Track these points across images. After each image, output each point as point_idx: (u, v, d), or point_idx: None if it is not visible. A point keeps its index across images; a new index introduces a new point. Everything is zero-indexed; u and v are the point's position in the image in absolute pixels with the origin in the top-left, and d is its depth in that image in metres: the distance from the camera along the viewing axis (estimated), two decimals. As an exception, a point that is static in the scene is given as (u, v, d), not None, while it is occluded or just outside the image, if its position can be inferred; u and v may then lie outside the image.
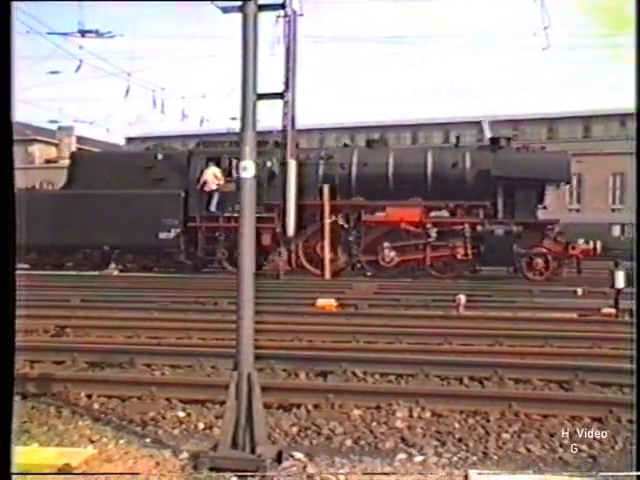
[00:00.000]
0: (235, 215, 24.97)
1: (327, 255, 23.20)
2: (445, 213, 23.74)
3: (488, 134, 25.49)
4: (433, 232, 22.95)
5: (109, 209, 23.96)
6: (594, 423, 7.18)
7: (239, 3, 6.02)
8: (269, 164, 23.93)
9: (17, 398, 7.53)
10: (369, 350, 10.27)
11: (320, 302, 14.83)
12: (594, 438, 6.84)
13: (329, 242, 23.39)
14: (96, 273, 23.43)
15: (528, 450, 6.56)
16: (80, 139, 59.65)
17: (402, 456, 6.38)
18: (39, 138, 62.91)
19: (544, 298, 16.83)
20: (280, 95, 6.44)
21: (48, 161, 60.09)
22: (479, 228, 22.71)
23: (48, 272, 22.61)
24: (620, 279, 14.42)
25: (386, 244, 23.17)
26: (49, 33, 25.28)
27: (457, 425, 7.14)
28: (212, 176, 24.12)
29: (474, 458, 6.38)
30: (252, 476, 5.64)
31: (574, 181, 26.90)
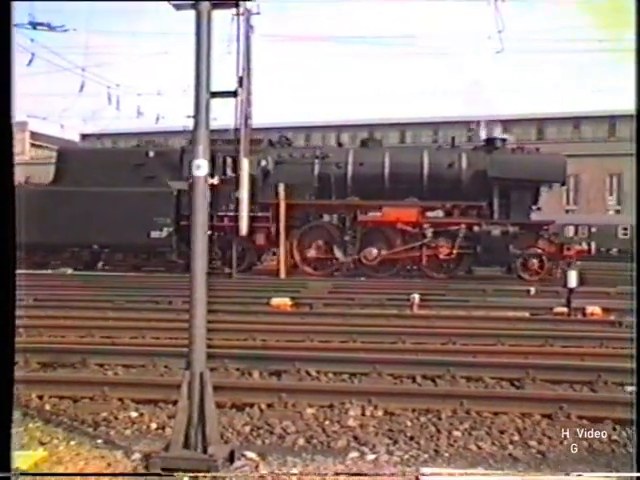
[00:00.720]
0: (230, 214, 24.72)
1: (282, 254, 23.15)
2: (440, 213, 23.82)
3: (483, 135, 25.52)
4: (429, 232, 23.04)
5: (99, 207, 23.47)
6: (544, 419, 7.29)
7: (192, 1, 5.99)
8: (263, 163, 23.83)
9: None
10: (323, 349, 10.29)
11: (275, 301, 14.83)
12: (543, 434, 6.95)
13: (283, 242, 23.32)
14: (49, 272, 23.05)
15: (479, 447, 6.64)
16: (34, 134, 58.73)
17: (354, 455, 6.41)
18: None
19: (497, 297, 17.01)
20: (233, 93, 6.39)
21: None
22: (475, 228, 22.87)
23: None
24: (572, 279, 14.64)
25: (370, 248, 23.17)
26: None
27: (409, 423, 7.19)
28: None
29: (425, 456, 6.43)
30: (204, 476, 5.62)
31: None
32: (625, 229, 39.25)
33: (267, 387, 8.25)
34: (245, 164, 23.02)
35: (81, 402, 7.87)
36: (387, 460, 6.27)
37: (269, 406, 7.63)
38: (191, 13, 6.02)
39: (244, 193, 22.87)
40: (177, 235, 23.95)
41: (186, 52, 6.09)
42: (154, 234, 23.74)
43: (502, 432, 6.97)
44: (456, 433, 6.94)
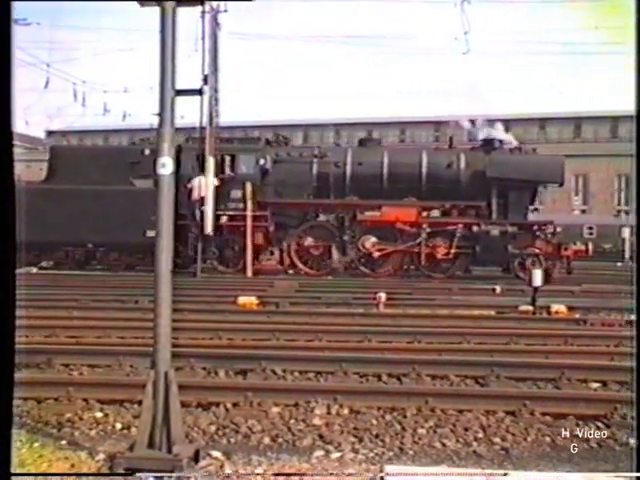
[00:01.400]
0: (229, 213, 24.40)
1: (250, 253, 23.07)
2: (436, 213, 23.84)
3: (481, 135, 25.54)
4: (429, 232, 23.05)
5: (93, 205, 22.95)
6: (508, 416, 7.36)
7: (156, -2, 5.95)
8: (262, 162, 23.66)
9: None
10: (289, 348, 10.30)
11: (241, 300, 14.79)
12: (507, 431, 7.02)
13: (251, 240, 23.23)
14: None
15: (443, 445, 6.69)
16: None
17: (319, 453, 6.43)
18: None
19: (463, 296, 17.12)
20: (199, 91, 6.36)
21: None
22: (474, 228, 22.94)
23: None
24: (537, 277, 14.78)
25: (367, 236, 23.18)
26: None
27: (374, 421, 7.23)
28: (197, 181, 23.18)
29: (390, 453, 6.47)
30: (169, 476, 5.60)
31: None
32: (590, 228, 39.67)
33: (233, 386, 8.24)
34: (211, 163, 22.89)
35: (45, 403, 7.79)
36: (352, 458, 6.30)
37: (235, 405, 7.62)
38: (156, 10, 5.98)
39: (210, 192, 22.74)
40: (174, 234, 23.69)
41: (152, 49, 6.05)
42: (150, 233, 23.36)
43: (466, 429, 7.04)
44: (421, 431, 6.99)
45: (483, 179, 23.28)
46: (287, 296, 16.42)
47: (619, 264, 24.56)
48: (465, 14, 22.22)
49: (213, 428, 7.12)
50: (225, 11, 30.17)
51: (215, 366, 9.22)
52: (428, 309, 14.75)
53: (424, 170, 23.59)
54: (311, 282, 19.94)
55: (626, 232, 37.90)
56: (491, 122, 25.15)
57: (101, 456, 6.18)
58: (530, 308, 14.30)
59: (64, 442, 6.66)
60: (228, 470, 5.97)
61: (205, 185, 22.65)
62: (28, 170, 31.82)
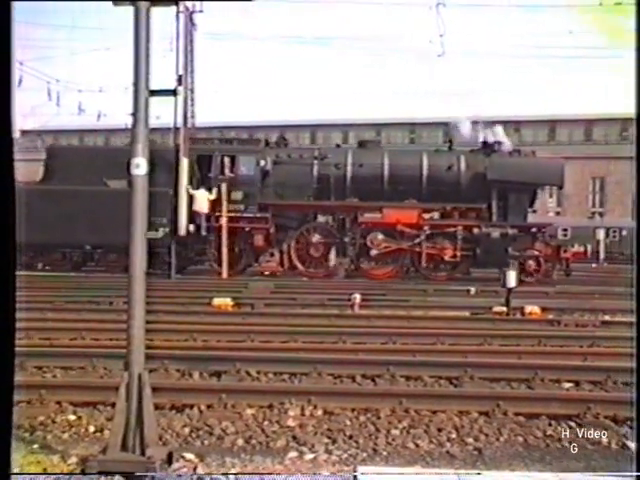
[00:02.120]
0: (230, 215, 24.13)
1: (225, 254, 23.00)
2: (436, 215, 23.87)
3: (481, 137, 25.59)
4: (430, 234, 23.08)
5: (91, 206, 22.65)
6: (481, 417, 7.40)
7: (130, -3, 5.93)
8: (262, 163, 23.55)
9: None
10: (264, 349, 10.30)
11: (216, 301, 14.76)
12: (480, 431, 7.06)
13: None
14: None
15: (416, 445, 6.71)
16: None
17: (293, 454, 6.43)
18: None
19: (438, 297, 17.18)
20: (173, 92, 6.34)
21: None
22: (475, 230, 23.01)
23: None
24: (511, 279, 14.86)
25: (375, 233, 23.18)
26: None
27: (348, 422, 7.24)
28: (200, 195, 23.13)
29: (364, 455, 6.48)
30: (142, 479, 5.58)
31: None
32: (565, 230, 39.98)
33: (207, 388, 8.23)
34: (185, 163, 22.80)
35: (18, 406, 7.72)
36: (326, 459, 6.31)
37: (209, 407, 7.61)
38: (131, 9, 5.95)
39: (183, 193, 22.64)
40: (172, 235, 23.57)
41: (128, 49, 6.03)
42: (150, 234, 23.09)
43: (440, 430, 7.06)
44: (394, 432, 7.01)
45: (483, 181, 23.39)
46: (262, 297, 16.41)
47: (594, 265, 24.79)
48: (440, 17, 22.31)
49: (187, 430, 7.10)
50: (201, 11, 30.21)
51: (189, 368, 9.19)
52: (402, 310, 14.79)
53: (425, 172, 23.63)
54: (287, 283, 19.92)
55: (601, 234, 38.23)
56: (491, 124, 25.28)
57: (73, 459, 6.14)
58: (504, 309, 14.38)
59: (36, 446, 6.61)
60: (201, 472, 5.96)
61: (180, 185, 22.57)
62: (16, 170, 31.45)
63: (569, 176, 26.82)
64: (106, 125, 46.00)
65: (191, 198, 23.01)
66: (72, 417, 7.48)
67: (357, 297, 14.83)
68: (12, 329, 4.47)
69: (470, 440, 6.87)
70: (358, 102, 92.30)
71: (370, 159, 23.89)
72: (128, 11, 5.98)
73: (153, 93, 6.07)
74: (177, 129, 23.47)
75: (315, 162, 23.90)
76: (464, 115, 25.44)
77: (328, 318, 13.32)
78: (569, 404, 7.72)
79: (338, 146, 27.26)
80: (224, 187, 23.35)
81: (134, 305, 5.95)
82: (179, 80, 19.02)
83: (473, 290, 18.14)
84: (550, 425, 7.28)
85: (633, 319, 5.66)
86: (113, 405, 6.67)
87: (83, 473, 5.84)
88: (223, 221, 23.14)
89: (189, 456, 6.30)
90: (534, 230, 23.72)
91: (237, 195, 23.51)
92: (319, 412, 7.50)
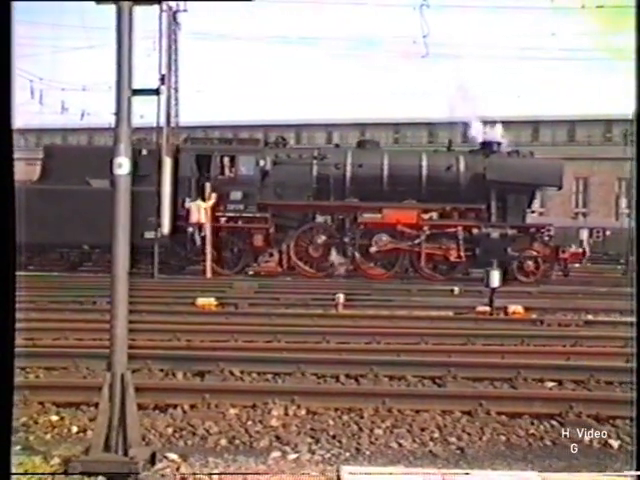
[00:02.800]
0: (229, 214, 23.99)
1: (209, 254, 22.95)
2: (434, 215, 23.88)
3: (480, 137, 25.62)
4: (430, 235, 23.12)
5: (89, 206, 22.44)
6: (464, 416, 7.42)
7: (113, -4, 5.90)
8: (262, 163, 23.48)
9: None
10: (247, 349, 10.29)
11: (200, 301, 14.73)
12: (463, 431, 7.08)
13: (212, 240, 23.14)
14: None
15: (399, 445, 6.73)
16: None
17: (276, 454, 6.44)
18: None
19: (421, 297, 17.22)
20: (155, 91, 6.32)
21: None
22: (475, 231, 23.06)
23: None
24: (494, 278, 14.91)
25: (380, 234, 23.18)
26: None
27: (331, 422, 7.25)
28: (196, 207, 23.04)
29: (347, 454, 6.49)
30: (124, 479, 5.56)
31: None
32: (549, 230, 40.19)
33: (190, 388, 8.23)
34: (168, 163, 22.73)
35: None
36: (309, 459, 6.31)
37: (192, 407, 7.59)
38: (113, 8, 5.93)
39: (166, 193, 22.57)
40: (172, 236, 23.47)
41: (111, 47, 6.00)
42: (148, 234, 22.95)
43: (423, 429, 7.08)
44: (378, 431, 7.02)
45: (482, 182, 23.46)
46: (246, 297, 16.39)
47: (577, 265, 24.95)
48: (424, 18, 22.34)
49: (170, 430, 7.09)
50: (185, 11, 30.16)
51: (173, 368, 9.18)
52: (386, 310, 14.81)
53: (424, 172, 23.67)
54: (270, 283, 19.91)
55: (584, 234, 38.42)
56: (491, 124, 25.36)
57: (56, 460, 6.11)
58: (487, 309, 14.43)
59: (18, 447, 6.57)
60: (184, 472, 5.94)
61: (163, 184, 22.51)
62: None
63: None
64: (90, 124, 45.74)
65: (187, 211, 23.00)
66: (55, 418, 7.44)
67: (341, 297, 14.85)
68: (12, 330, 4.45)
69: (453, 439, 6.89)
70: (343, 102, 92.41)
71: (369, 159, 23.93)
72: (111, 9, 5.96)
73: (136, 92, 6.05)
74: (160, 128, 23.39)
75: (314, 162, 23.91)
76: (448, 115, 25.54)
77: (312, 318, 13.33)
78: (552, 403, 7.75)
79: (337, 146, 27.28)
80: (208, 186, 23.30)
81: (117, 305, 5.93)
82: (162, 79, 19.00)
83: (457, 290, 18.20)
84: (532, 424, 7.31)
85: (633, 319, 5.69)
86: (96, 405, 6.66)
87: (66, 473, 5.81)
88: (207, 220, 23.10)
89: (172, 456, 6.29)
90: (533, 231, 23.87)
91: (236, 195, 23.50)
92: (302, 412, 7.50)
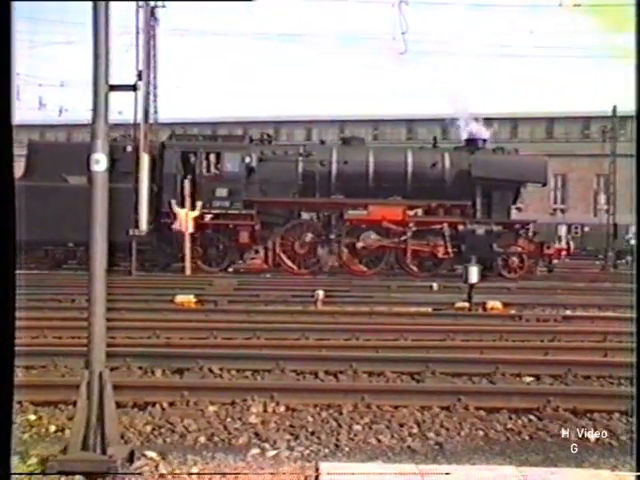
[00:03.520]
0: (214, 211, 23.94)
1: (188, 252, 22.89)
2: (419, 212, 23.94)
3: (464, 134, 25.70)
4: (415, 231, 23.24)
5: (74, 203, 22.32)
6: (442, 411, 7.45)
7: (88, -11, 5.86)
8: (247, 160, 23.45)
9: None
10: (226, 346, 10.26)
11: (179, 298, 14.68)
12: (441, 426, 7.11)
13: (186, 239, 23.07)
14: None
15: (378, 440, 6.74)
16: None
17: (255, 451, 6.43)
18: None
19: (401, 293, 17.27)
20: (133, 87, 6.29)
21: None
22: (460, 227, 23.11)
23: None
24: (473, 274, 14.98)
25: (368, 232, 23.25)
26: None
27: (310, 419, 7.24)
28: (183, 214, 22.99)
29: (326, 450, 6.49)
30: (102, 478, 5.54)
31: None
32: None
33: (169, 385, 8.19)
34: (145, 159, 22.58)
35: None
36: (288, 456, 6.31)
37: (171, 404, 7.56)
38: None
39: (144, 189, 22.44)
40: (157, 233, 23.39)
41: (89, 43, 5.96)
42: (132, 231, 22.83)
43: (401, 425, 7.09)
44: (356, 427, 7.03)
45: (468, 178, 23.58)
46: (226, 294, 16.37)
47: (555, 261, 25.15)
48: (403, 15, 22.39)
49: (149, 428, 7.05)
50: (163, 6, 30.05)
51: (152, 365, 9.14)
52: (366, 306, 14.84)
53: (409, 169, 23.82)
54: (250, 280, 19.91)
55: (562, 230, 38.69)
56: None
57: (33, 460, 6.06)
58: (466, 305, 14.50)
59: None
60: (163, 470, 5.93)
61: (141, 181, 22.36)
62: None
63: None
64: (68, 120, 45.51)
65: (174, 215, 22.94)
66: (33, 417, 7.39)
67: (320, 294, 14.87)
68: (12, 329, 4.42)
69: (431, 435, 6.90)
70: (322, 99, 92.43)
71: (355, 156, 24.05)
72: (88, 5, 5.92)
73: (113, 88, 6.01)
74: (137, 124, 23.30)
75: (300, 159, 24.01)
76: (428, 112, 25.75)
77: (291, 315, 13.33)
78: (530, 398, 7.79)
79: (322, 143, 27.34)
80: (187, 182, 23.23)
81: (95, 303, 5.89)
82: (139, 75, 18.83)
83: (436, 286, 18.27)
84: (511, 419, 7.35)
85: (633, 315, 5.74)
86: (74, 404, 6.63)
87: (43, 473, 5.78)
88: (188, 218, 23.04)
89: (151, 454, 6.26)
90: (517, 227, 24.01)
91: (222, 192, 23.49)
92: (281, 409, 7.49)
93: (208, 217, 23.37)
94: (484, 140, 25.04)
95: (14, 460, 6.03)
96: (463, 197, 23.79)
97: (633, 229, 35.98)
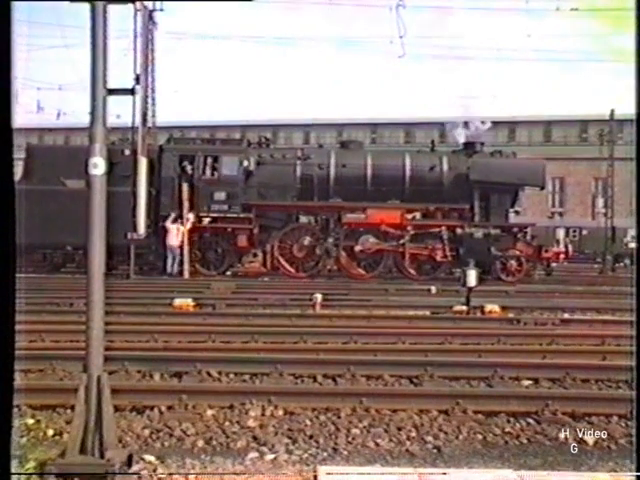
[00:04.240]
0: (213, 215, 23.97)
1: (186, 256, 22.90)
2: (418, 215, 23.94)
3: (462, 138, 25.71)
4: (414, 234, 23.24)
5: (72, 206, 22.30)
6: (441, 415, 7.44)
7: (86, -6, 5.86)
8: (245, 163, 23.45)
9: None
10: (225, 350, 10.25)
11: (177, 302, 14.66)
12: (440, 429, 7.11)
13: (189, 240, 23.08)
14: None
15: (376, 444, 6.74)
16: None
17: (253, 455, 6.42)
18: None
19: (399, 297, 17.26)
20: (130, 91, 6.29)
21: None
22: (459, 231, 23.12)
23: None
24: (471, 278, 14.98)
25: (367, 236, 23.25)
26: None
27: (309, 422, 7.23)
28: (174, 229, 23.09)
29: (324, 454, 6.49)
30: (101, 480, 5.53)
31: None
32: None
33: (167, 389, 8.18)
34: (143, 163, 22.57)
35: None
36: (286, 459, 6.30)
37: (169, 408, 7.54)
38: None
39: (142, 193, 22.43)
40: (155, 236, 23.39)
41: (87, 46, 5.97)
42: (130, 235, 22.81)
43: (400, 429, 7.09)
44: (355, 431, 7.02)
45: (466, 182, 23.58)
46: (224, 298, 16.36)
47: (554, 264, 25.16)
48: (400, 18, 22.43)
49: (147, 432, 7.04)
50: (161, 10, 30.05)
51: (150, 369, 9.12)
52: (364, 310, 14.83)
53: (407, 173, 23.81)
54: (248, 283, 19.90)
55: (560, 233, 38.71)
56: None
57: (31, 464, 6.05)
58: (464, 308, 14.49)
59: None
60: (161, 474, 5.92)
61: (139, 185, 22.37)
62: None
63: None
64: (66, 124, 45.47)
65: (165, 230, 22.95)
66: (30, 421, 7.38)
67: (318, 297, 14.86)
68: (12, 331, 4.42)
69: (430, 438, 6.90)
70: (320, 102, 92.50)
71: (353, 160, 24.03)
72: (86, 8, 5.92)
73: (111, 92, 6.01)
74: (135, 128, 23.30)
75: (298, 162, 23.99)
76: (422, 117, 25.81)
77: (289, 318, 13.32)
78: (528, 401, 7.79)
79: (321, 146, 27.32)
80: (185, 186, 23.25)
81: (93, 306, 5.89)
82: (137, 79, 18.84)
83: (434, 289, 18.27)
84: (509, 422, 7.35)
85: (633, 318, 5.74)
86: (73, 408, 6.62)
87: (42, 473, 5.77)
88: (187, 220, 23.09)
89: (149, 458, 6.26)
90: (516, 230, 24.01)
91: (220, 195, 23.48)
92: (280, 412, 7.49)
93: (206, 220, 23.36)
94: (482, 143, 25.06)
95: (12, 464, 6.02)
96: (461, 200, 23.79)
97: (631, 232, 36.04)
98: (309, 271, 23.56)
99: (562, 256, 25.11)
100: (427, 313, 14.52)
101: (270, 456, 6.39)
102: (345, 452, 6.55)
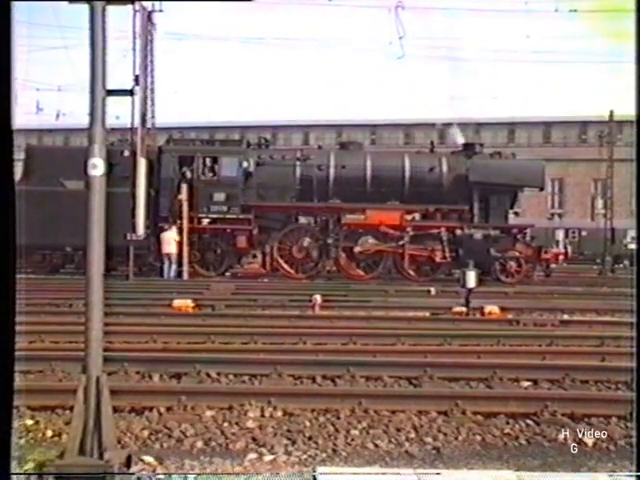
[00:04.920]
0: (212, 216, 23.99)
1: (186, 258, 22.92)
2: (417, 216, 23.94)
3: (460, 139, 25.75)
4: (413, 235, 23.24)
5: (71, 207, 22.32)
6: (440, 416, 7.44)
7: (86, -5, 5.86)
8: (245, 164, 23.46)
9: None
10: (224, 351, 10.25)
11: (177, 303, 14.67)
12: (439, 431, 7.10)
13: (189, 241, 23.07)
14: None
15: (376, 445, 6.73)
16: None
17: (252, 456, 6.42)
18: None
19: (398, 298, 17.26)
20: (130, 92, 6.28)
21: None
22: (458, 232, 23.12)
23: None
24: (471, 279, 14.98)
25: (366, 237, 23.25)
26: None
27: (308, 423, 7.23)
28: (172, 239, 23.09)
29: (323, 455, 6.48)
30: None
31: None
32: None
33: (167, 390, 8.17)
34: (142, 164, 22.58)
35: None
36: (285, 460, 6.30)
37: (168, 409, 7.54)
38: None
39: (141, 194, 22.44)
40: (155, 237, 23.38)
41: (86, 47, 5.97)
42: (129, 235, 22.84)
43: (399, 430, 7.08)
44: (354, 432, 7.01)
45: (465, 183, 23.59)
46: (223, 298, 16.37)
47: (553, 266, 25.19)
48: (399, 20, 22.49)
49: (146, 433, 7.04)
50: (160, 11, 30.08)
51: (149, 370, 9.12)
52: (363, 311, 14.83)
53: (407, 174, 23.83)
54: (248, 284, 19.90)
55: (560, 234, 38.75)
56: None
57: (30, 465, 6.05)
58: (464, 309, 14.50)
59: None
60: (160, 474, 5.92)
61: (138, 185, 22.39)
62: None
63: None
64: (65, 125, 45.50)
65: (159, 238, 22.96)
66: (29, 422, 7.37)
67: (318, 298, 14.86)
68: (12, 332, 4.42)
69: (429, 439, 6.90)
70: (319, 103, 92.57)
71: (352, 161, 24.03)
72: (85, 9, 5.92)
73: (110, 93, 6.01)
74: (135, 129, 23.33)
75: (297, 163, 24.01)
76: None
77: (288, 319, 13.32)
78: (527, 402, 7.79)
79: (320, 147, 27.35)
80: (184, 187, 23.26)
81: (92, 307, 5.88)
82: (136, 80, 18.81)
83: (433, 291, 18.28)
84: (508, 423, 7.35)
85: (633, 319, 5.74)
86: (71, 409, 6.61)
87: (41, 473, 5.76)
88: (185, 221, 23.10)
89: (148, 459, 6.25)
90: (515, 231, 24.02)
91: (219, 196, 23.50)
92: (279, 413, 7.48)
93: (206, 221, 23.37)
94: (481, 144, 25.09)
95: (11, 465, 6.02)
96: (460, 202, 23.81)
97: (631, 233, 36.06)
98: (308, 272, 23.55)
99: (561, 257, 25.15)
100: (426, 314, 14.53)
101: (269, 457, 6.39)
102: (344, 453, 6.55)
